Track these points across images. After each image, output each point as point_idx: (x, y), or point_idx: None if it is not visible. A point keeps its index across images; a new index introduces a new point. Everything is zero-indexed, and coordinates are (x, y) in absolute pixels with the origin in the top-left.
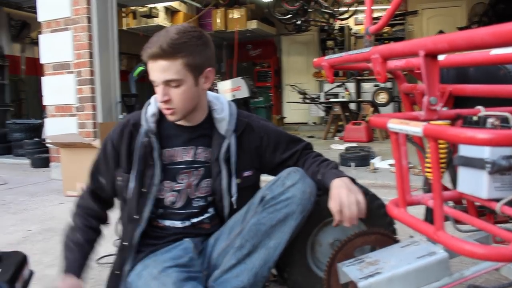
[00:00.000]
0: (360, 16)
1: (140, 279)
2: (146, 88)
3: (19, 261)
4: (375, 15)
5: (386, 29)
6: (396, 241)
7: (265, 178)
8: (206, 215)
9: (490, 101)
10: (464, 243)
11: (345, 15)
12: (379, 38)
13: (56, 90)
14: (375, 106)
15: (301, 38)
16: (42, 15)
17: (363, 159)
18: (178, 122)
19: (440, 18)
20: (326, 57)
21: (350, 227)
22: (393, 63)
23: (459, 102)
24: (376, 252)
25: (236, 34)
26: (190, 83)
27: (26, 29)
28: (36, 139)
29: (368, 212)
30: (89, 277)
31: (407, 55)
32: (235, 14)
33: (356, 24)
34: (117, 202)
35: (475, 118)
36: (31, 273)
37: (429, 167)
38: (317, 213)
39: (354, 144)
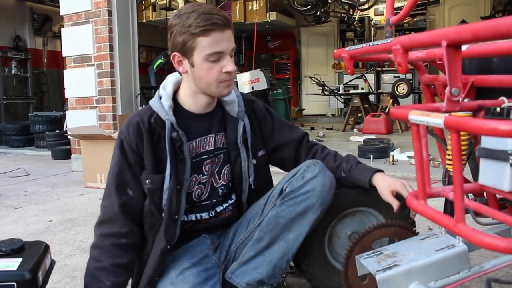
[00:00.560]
0: (381, 7)
1: (160, 282)
2: None
3: (41, 250)
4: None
5: (407, 19)
6: (415, 233)
7: (275, 170)
8: (230, 201)
9: None
10: (485, 235)
11: (366, 6)
12: (400, 29)
13: (77, 82)
14: (395, 98)
15: (320, 30)
16: (64, 9)
17: (382, 151)
18: (197, 111)
19: (463, 8)
20: (347, 49)
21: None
22: (414, 54)
23: (482, 93)
24: (394, 245)
25: (255, 26)
26: None
27: (48, 23)
28: (58, 131)
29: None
30: None
31: (429, 45)
32: (254, 5)
33: (376, 15)
34: None
35: (498, 109)
36: (52, 263)
37: (449, 159)
38: (336, 205)
39: (373, 136)
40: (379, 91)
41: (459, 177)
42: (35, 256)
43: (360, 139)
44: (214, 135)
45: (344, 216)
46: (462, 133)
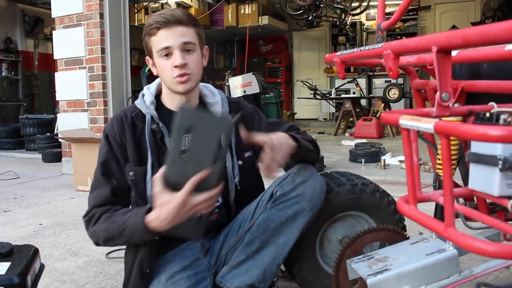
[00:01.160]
0: (372, 12)
1: (151, 286)
2: None
3: (30, 254)
4: (388, 10)
5: (399, 24)
6: (405, 237)
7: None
8: (216, 203)
9: (503, 98)
10: (475, 240)
11: (357, 11)
12: (391, 34)
13: (69, 85)
14: (386, 102)
15: (312, 34)
16: (56, 11)
17: (373, 155)
18: (176, 108)
19: (453, 13)
20: (338, 53)
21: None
22: (405, 59)
23: (472, 98)
24: (385, 249)
25: (248, 30)
26: (199, 53)
27: (39, 25)
28: (48, 134)
29: (378, 208)
30: (98, 271)
31: (419, 51)
32: (247, 9)
33: (368, 20)
34: None
35: (487, 114)
36: (41, 267)
37: (440, 164)
38: (327, 210)
39: (365, 140)
40: (370, 95)
41: (449, 182)
42: (24, 260)
43: (351, 143)
44: None
45: (335, 220)
46: (452, 138)
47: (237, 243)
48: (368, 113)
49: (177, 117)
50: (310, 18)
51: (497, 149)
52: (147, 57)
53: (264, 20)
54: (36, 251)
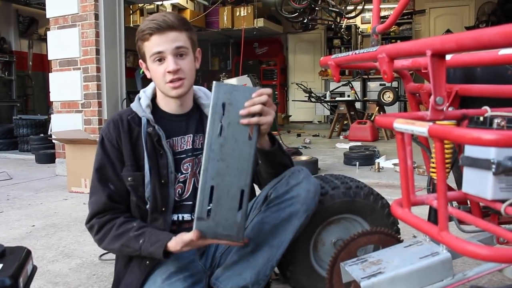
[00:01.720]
0: (367, 15)
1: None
2: None
3: (22, 256)
4: (383, 14)
5: (393, 28)
6: (399, 241)
7: None
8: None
9: (497, 102)
10: (468, 244)
11: (352, 14)
12: (386, 37)
13: (63, 86)
14: (381, 105)
15: (307, 37)
16: (51, 12)
17: (367, 158)
18: (172, 111)
19: (448, 17)
20: (333, 56)
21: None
22: (399, 63)
23: (466, 102)
24: (379, 252)
25: (243, 32)
26: (192, 56)
27: (34, 25)
28: (42, 135)
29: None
30: (91, 273)
31: (414, 54)
32: (242, 12)
33: (363, 23)
34: None
35: (481, 118)
36: (34, 268)
37: (434, 167)
38: (321, 212)
39: (359, 143)
40: (365, 98)
41: (443, 185)
42: (16, 261)
43: (346, 146)
44: (192, 135)
45: (329, 223)
46: (446, 141)
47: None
48: (362, 116)
49: (212, 95)
50: (305, 21)
51: (490, 153)
52: (140, 61)
53: (260, 22)
54: (28, 253)
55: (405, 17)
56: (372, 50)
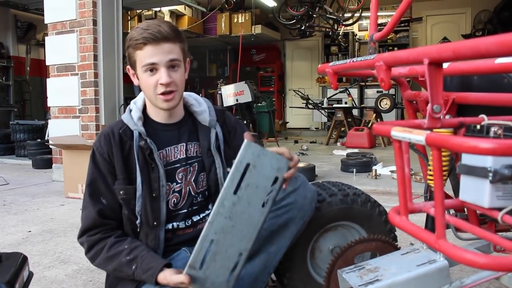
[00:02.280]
0: (365, 22)
1: None
2: None
3: (18, 262)
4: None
5: (391, 35)
6: (396, 248)
7: None
8: (206, 211)
9: (494, 110)
10: (465, 252)
11: (350, 21)
12: (383, 45)
13: (60, 91)
14: (378, 112)
15: (305, 44)
16: (49, 17)
17: (365, 165)
18: (163, 121)
19: (445, 25)
20: (331, 64)
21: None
22: (397, 70)
23: (463, 110)
24: (376, 259)
25: (241, 39)
26: (183, 68)
27: (32, 31)
28: (39, 140)
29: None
30: (87, 279)
31: (411, 63)
32: (240, 18)
33: (360, 30)
34: None
35: (478, 126)
36: (30, 274)
37: (431, 175)
38: (318, 219)
39: (356, 150)
40: (362, 105)
41: (440, 193)
42: (12, 267)
43: (343, 153)
44: (185, 144)
45: (326, 230)
46: (443, 149)
47: None
48: (360, 123)
49: (240, 152)
50: (303, 28)
51: (487, 161)
52: (128, 67)
53: (257, 29)
54: (24, 259)
55: (402, 24)
56: (369, 58)
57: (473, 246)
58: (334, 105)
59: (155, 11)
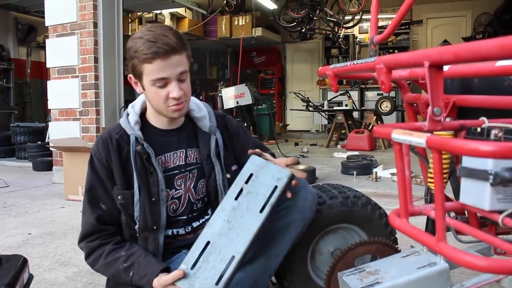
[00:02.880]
0: (365, 25)
1: None
2: None
3: (18, 264)
4: (380, 24)
5: (391, 38)
6: (397, 251)
7: None
8: (206, 217)
9: (494, 113)
10: (466, 255)
11: (350, 24)
12: (384, 47)
13: (61, 94)
14: (378, 115)
15: (305, 46)
16: (49, 20)
17: (365, 168)
18: (163, 127)
19: (445, 28)
20: (331, 66)
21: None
22: (397, 73)
23: (463, 113)
24: (376, 262)
25: (241, 41)
26: (189, 76)
27: (32, 33)
28: (40, 142)
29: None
30: (87, 282)
31: (412, 65)
32: (240, 21)
33: (361, 33)
34: None
35: (478, 129)
36: (30, 277)
37: (431, 178)
38: (318, 222)
39: (357, 153)
40: (362, 108)
41: (441, 196)
42: (12, 270)
43: (343, 155)
44: (185, 150)
45: (326, 232)
46: (444, 152)
47: None
48: (360, 126)
49: (246, 164)
50: (303, 30)
51: (488, 164)
52: (130, 75)
53: (258, 31)
54: (24, 261)
55: (403, 27)
56: (370, 61)
57: (473, 248)
58: (335, 108)
59: (156, 14)
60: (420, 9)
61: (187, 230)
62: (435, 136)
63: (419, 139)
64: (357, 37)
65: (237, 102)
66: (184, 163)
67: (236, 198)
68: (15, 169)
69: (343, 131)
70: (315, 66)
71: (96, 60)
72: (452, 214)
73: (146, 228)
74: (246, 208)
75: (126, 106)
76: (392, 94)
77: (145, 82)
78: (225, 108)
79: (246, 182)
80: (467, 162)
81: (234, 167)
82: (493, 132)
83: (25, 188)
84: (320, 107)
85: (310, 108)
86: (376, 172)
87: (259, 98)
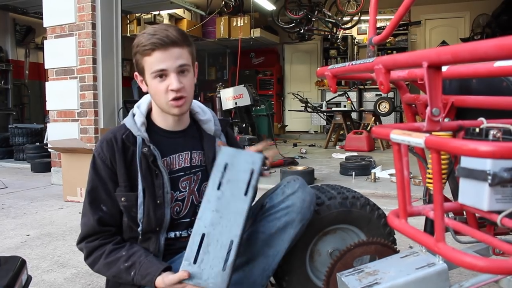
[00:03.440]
0: (364, 26)
1: None
2: None
3: (17, 266)
4: (379, 25)
5: (389, 39)
6: (395, 251)
7: (264, 187)
8: None
9: (492, 113)
10: (465, 255)
11: (349, 25)
12: (382, 48)
13: (59, 95)
14: (377, 116)
15: (304, 47)
16: (48, 21)
17: (363, 169)
18: (169, 128)
19: (443, 29)
20: (329, 67)
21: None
22: (396, 74)
23: (461, 113)
24: (375, 262)
25: (240, 42)
26: (192, 72)
27: (31, 34)
28: (38, 143)
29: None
30: (86, 283)
31: (410, 66)
32: (239, 22)
33: (359, 34)
34: None
35: (477, 130)
36: (28, 278)
37: (430, 178)
38: (317, 223)
39: (355, 153)
40: (361, 108)
41: (440, 196)
42: (10, 271)
43: (342, 156)
44: (190, 153)
45: (325, 233)
46: (442, 152)
47: None
48: (358, 126)
49: (217, 157)
50: (301, 31)
51: (486, 164)
52: (135, 73)
53: (256, 32)
54: (23, 263)
55: (401, 28)
56: (368, 61)
57: (472, 249)
58: (333, 109)
59: (154, 15)
60: (419, 10)
61: (189, 233)
62: (434, 137)
63: (417, 140)
64: (355, 38)
65: (236, 103)
66: (189, 165)
67: (218, 188)
68: (13, 171)
69: (341, 132)
70: (314, 67)
71: (94, 61)
72: (451, 214)
73: (149, 229)
74: (230, 195)
75: (124, 107)
76: (391, 94)
77: (147, 77)
78: (223, 109)
79: (223, 172)
80: (466, 162)
81: None
82: (492, 132)
83: (23, 190)
84: (319, 108)
85: (309, 109)
86: (374, 173)
87: (257, 99)
